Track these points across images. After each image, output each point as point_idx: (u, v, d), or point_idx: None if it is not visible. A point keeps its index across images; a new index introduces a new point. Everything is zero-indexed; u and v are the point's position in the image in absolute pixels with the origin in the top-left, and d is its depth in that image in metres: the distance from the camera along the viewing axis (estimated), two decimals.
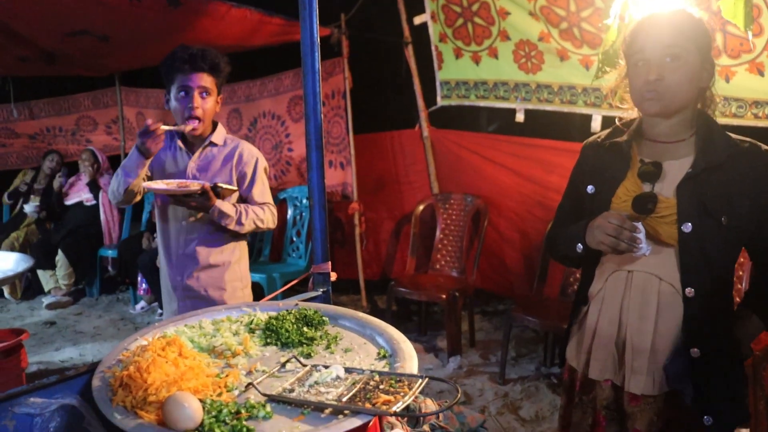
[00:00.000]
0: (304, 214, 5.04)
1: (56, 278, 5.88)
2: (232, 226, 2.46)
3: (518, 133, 4.45)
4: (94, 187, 5.98)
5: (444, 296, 4.13)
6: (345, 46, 4.80)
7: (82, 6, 3.84)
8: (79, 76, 6.44)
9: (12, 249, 5.94)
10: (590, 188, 1.79)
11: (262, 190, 2.62)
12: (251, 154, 2.61)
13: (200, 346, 1.31)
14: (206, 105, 2.45)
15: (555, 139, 4.35)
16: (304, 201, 5.03)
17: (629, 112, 1.85)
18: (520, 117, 4.36)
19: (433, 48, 4.66)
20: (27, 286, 6.02)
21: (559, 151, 4.29)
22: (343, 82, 4.84)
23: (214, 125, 2.60)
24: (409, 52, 4.74)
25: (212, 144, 2.57)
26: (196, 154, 2.54)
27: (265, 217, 2.57)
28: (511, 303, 4.63)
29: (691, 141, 1.71)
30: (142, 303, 5.56)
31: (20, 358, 3.37)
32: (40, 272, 5.76)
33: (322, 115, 5.06)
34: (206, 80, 2.44)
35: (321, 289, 1.64)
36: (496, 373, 4.01)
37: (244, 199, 2.59)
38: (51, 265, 5.83)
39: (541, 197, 4.41)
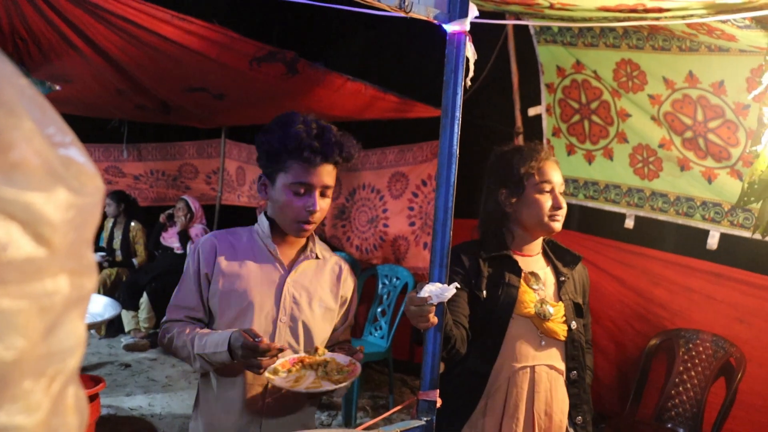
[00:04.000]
0: (391, 293, 4.91)
1: (137, 320, 5.95)
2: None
3: (625, 240, 4.22)
4: (183, 237, 6.06)
5: None
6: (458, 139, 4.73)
7: (205, 66, 3.95)
8: (187, 126, 6.66)
9: (104, 286, 6.08)
10: (484, 293, 1.98)
11: (350, 325, 2.05)
12: (351, 272, 2.04)
13: None
14: (325, 206, 1.83)
15: (665, 251, 4.11)
16: (395, 280, 4.91)
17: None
18: (629, 223, 4.14)
19: (544, 141, 4.53)
20: (109, 323, 6.12)
21: (669, 263, 4.04)
22: None
23: None
24: (520, 143, 4.62)
25: (315, 256, 1.94)
26: (296, 267, 1.88)
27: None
28: (599, 418, 4.32)
29: (541, 254, 2.13)
30: None
31: (95, 407, 3.35)
32: (123, 312, 5.83)
33: (423, 196, 4.98)
34: (332, 175, 1.82)
35: (425, 419, 1.49)
36: None
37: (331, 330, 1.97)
38: (135, 306, 5.91)
39: (644, 310, 4.14)
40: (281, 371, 1.68)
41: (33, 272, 0.35)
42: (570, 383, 2.05)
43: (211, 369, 1.77)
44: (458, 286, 1.62)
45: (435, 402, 1.54)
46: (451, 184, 1.49)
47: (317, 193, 1.78)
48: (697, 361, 3.79)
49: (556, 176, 2.04)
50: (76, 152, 0.43)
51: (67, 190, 0.38)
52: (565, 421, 2.05)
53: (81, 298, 0.41)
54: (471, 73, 1.57)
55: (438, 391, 1.55)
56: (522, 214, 2.05)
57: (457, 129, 1.49)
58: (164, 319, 1.88)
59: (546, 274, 2.09)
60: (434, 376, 1.52)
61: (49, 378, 0.38)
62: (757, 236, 3.41)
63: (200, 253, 1.83)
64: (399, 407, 1.60)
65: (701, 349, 3.79)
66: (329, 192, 1.84)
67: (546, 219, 2.01)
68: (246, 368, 1.74)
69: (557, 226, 2.03)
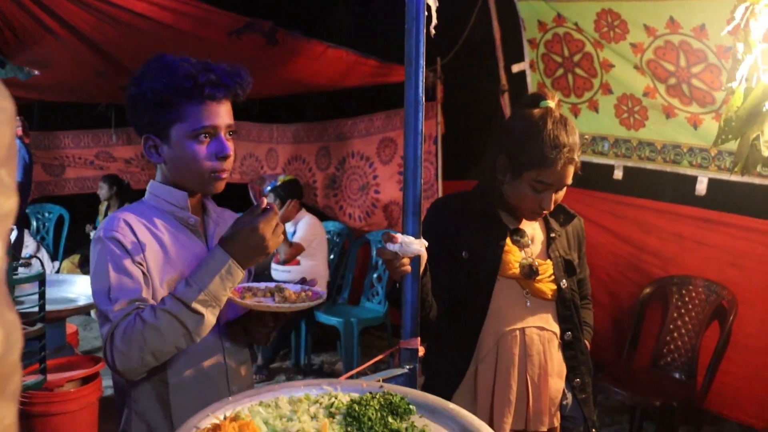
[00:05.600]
0: None
1: None
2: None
3: (615, 191, 4.22)
4: None
5: None
6: (439, 90, 4.72)
7: (183, 41, 3.92)
8: None
9: None
10: (464, 254, 1.88)
11: None
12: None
13: (275, 429, 1.20)
14: (233, 151, 1.59)
15: (655, 200, 4.11)
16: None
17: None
18: (618, 174, 4.15)
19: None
20: None
21: (659, 212, 4.05)
22: (436, 126, 4.76)
23: None
24: (505, 101, 4.59)
25: (216, 218, 1.72)
26: (212, 236, 1.65)
27: None
28: (595, 368, 4.37)
29: None
30: None
31: (96, 386, 3.38)
32: None
33: None
34: (231, 115, 1.57)
35: (407, 366, 1.52)
36: None
37: None
38: None
39: (637, 259, 4.16)
40: (235, 298, 1.49)
41: None
42: (565, 345, 1.95)
43: (214, 313, 1.44)
44: (426, 243, 1.54)
45: (417, 350, 1.56)
46: (419, 132, 1.49)
47: (224, 134, 1.54)
48: (690, 306, 3.82)
49: (561, 180, 1.80)
50: None
51: None
52: (563, 385, 1.95)
53: None
54: (434, 21, 1.56)
55: (419, 339, 1.57)
56: (508, 193, 1.88)
57: (421, 77, 1.48)
58: (108, 327, 1.42)
59: (534, 230, 1.97)
60: (414, 325, 1.54)
61: None
62: (736, 177, 3.42)
63: (121, 239, 1.48)
64: (380, 356, 1.62)
65: (694, 294, 3.82)
66: (233, 137, 1.60)
67: (527, 212, 1.90)
68: (259, 244, 1.43)
69: (535, 218, 1.96)
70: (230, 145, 1.56)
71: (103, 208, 6.62)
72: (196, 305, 1.40)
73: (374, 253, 5.08)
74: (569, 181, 1.82)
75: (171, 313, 1.39)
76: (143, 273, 1.49)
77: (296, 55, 4.14)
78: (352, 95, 5.49)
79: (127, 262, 1.46)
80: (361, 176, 5.50)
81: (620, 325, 4.25)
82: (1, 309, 0.45)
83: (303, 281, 1.63)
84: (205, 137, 1.52)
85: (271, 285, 1.60)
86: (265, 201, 1.46)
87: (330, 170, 5.81)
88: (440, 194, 4.83)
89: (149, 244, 1.52)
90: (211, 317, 1.43)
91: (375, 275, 5.01)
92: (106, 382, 4.32)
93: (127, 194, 6.57)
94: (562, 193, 1.86)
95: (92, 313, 6.01)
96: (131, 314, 1.41)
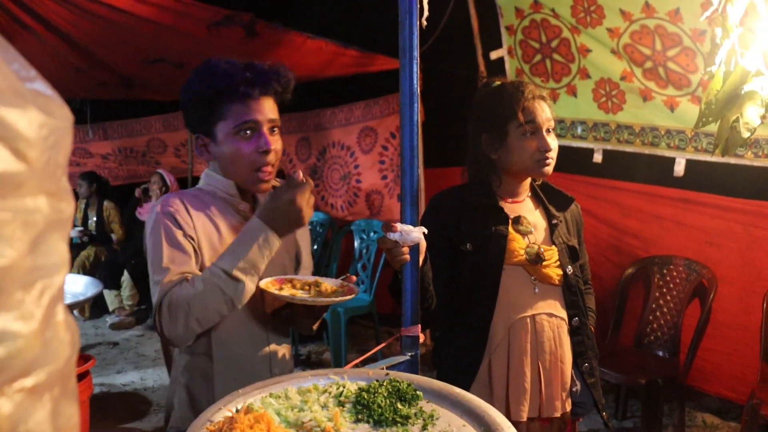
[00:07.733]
0: (370, 247, 4.97)
1: (121, 298, 5.95)
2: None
3: (595, 174, 4.29)
4: None
5: None
6: (418, 78, 4.74)
7: (163, 35, 3.90)
8: (150, 100, 6.58)
9: (83, 267, 6.07)
10: (468, 246, 1.90)
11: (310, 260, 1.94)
12: None
13: (287, 420, 1.22)
14: (278, 145, 1.65)
15: (634, 182, 4.18)
16: (372, 234, 4.96)
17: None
18: (597, 157, 4.21)
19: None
20: (93, 304, 6.12)
21: (639, 194, 4.12)
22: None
23: None
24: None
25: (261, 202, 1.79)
26: None
27: None
28: None
29: (530, 197, 2.03)
30: None
31: (87, 385, 3.37)
32: (105, 292, 5.84)
33: (393, 149, 5.00)
34: (275, 111, 1.64)
35: (409, 353, 1.55)
36: None
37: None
38: (116, 285, 5.91)
39: (617, 241, 4.24)
40: (272, 288, 1.55)
41: (14, 187, 0.38)
42: (573, 331, 1.97)
43: (253, 280, 1.51)
44: (425, 231, 1.56)
45: (417, 337, 1.58)
46: (414, 122, 1.52)
47: (266, 130, 1.60)
48: (671, 285, 3.90)
49: (542, 115, 1.88)
50: (42, 86, 0.45)
51: (39, 110, 0.40)
52: (569, 369, 1.97)
53: (61, 221, 0.44)
54: (426, 13, 1.58)
55: (420, 326, 1.60)
56: (507, 161, 1.90)
57: (416, 68, 1.51)
58: (158, 296, 1.50)
59: (536, 217, 1.99)
60: (414, 312, 1.57)
61: (38, 291, 0.41)
62: (716, 158, 3.49)
63: (176, 215, 1.56)
64: (382, 345, 1.65)
65: (675, 273, 3.90)
66: (278, 130, 1.66)
67: (533, 164, 1.88)
68: (296, 215, 1.51)
69: (547, 170, 1.90)
70: (273, 140, 1.62)
71: (82, 205, 6.56)
72: (236, 273, 1.48)
73: (357, 243, 5.11)
74: (551, 120, 1.90)
75: (213, 281, 1.48)
76: (194, 248, 1.58)
77: (276, 46, 4.14)
78: (332, 85, 5.49)
79: (180, 236, 1.55)
80: (342, 166, 5.52)
81: (603, 307, 4.31)
82: (65, 310, 0.47)
83: (346, 278, 1.67)
84: (247, 133, 1.59)
85: (311, 278, 1.65)
86: (301, 174, 1.52)
87: (311, 161, 5.81)
88: (422, 182, 4.87)
89: (202, 223, 1.61)
90: (250, 284, 1.51)
91: (359, 264, 5.04)
92: (97, 380, 4.32)
93: (106, 190, 6.53)
94: (555, 141, 1.92)
95: (76, 312, 5.97)
96: (178, 284, 1.50)
